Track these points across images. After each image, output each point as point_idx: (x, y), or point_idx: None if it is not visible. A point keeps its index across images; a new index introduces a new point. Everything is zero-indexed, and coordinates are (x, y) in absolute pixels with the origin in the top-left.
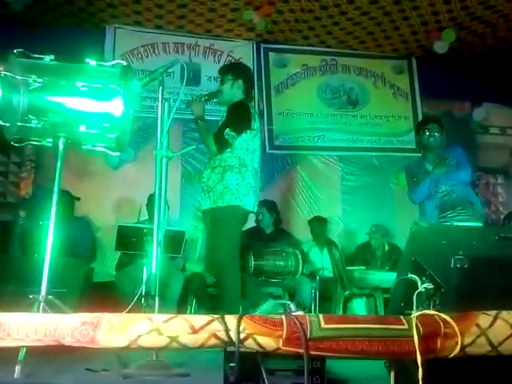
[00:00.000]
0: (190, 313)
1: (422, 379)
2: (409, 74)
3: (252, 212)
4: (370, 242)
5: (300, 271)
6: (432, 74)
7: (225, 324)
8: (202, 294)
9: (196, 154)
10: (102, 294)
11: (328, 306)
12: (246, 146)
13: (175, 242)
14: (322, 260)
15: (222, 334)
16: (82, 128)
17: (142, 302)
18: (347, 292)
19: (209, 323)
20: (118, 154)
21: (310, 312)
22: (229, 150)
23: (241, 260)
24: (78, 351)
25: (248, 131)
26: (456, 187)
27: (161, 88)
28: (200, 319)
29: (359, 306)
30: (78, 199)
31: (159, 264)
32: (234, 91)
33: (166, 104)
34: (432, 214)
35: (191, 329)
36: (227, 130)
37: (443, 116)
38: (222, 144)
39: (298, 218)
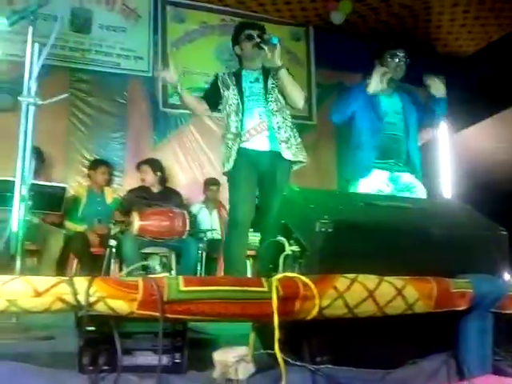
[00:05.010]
0: (72, 274)
1: (281, 340)
2: (306, 43)
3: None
4: None
5: (187, 232)
6: (327, 45)
7: (73, 286)
8: (85, 255)
9: (84, 106)
10: None
11: (214, 266)
12: None
13: (54, 199)
14: (211, 222)
15: (70, 298)
16: None
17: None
18: None
19: (55, 285)
20: None
21: (196, 273)
22: None
23: (125, 220)
24: None
25: None
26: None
27: (31, 28)
28: (45, 281)
29: None
30: None
31: (22, 222)
32: None
33: (37, 46)
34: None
35: (34, 292)
36: None
37: (335, 86)
38: None
39: (189, 179)
